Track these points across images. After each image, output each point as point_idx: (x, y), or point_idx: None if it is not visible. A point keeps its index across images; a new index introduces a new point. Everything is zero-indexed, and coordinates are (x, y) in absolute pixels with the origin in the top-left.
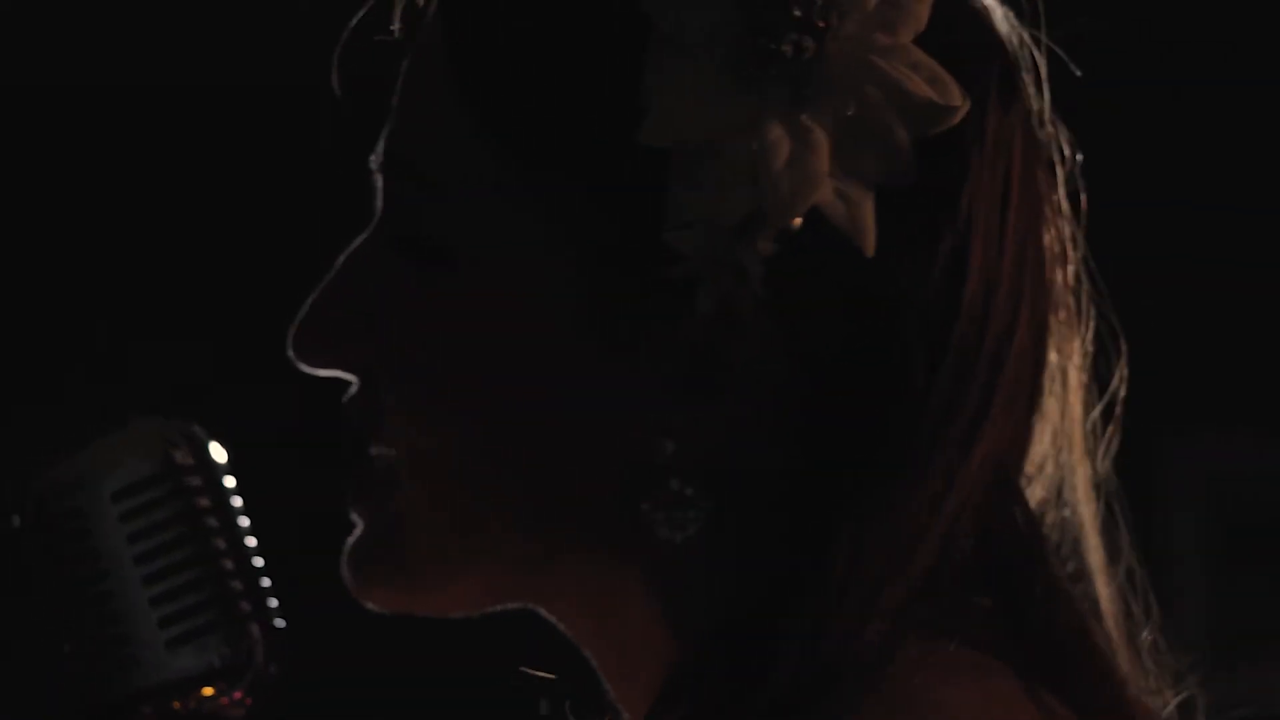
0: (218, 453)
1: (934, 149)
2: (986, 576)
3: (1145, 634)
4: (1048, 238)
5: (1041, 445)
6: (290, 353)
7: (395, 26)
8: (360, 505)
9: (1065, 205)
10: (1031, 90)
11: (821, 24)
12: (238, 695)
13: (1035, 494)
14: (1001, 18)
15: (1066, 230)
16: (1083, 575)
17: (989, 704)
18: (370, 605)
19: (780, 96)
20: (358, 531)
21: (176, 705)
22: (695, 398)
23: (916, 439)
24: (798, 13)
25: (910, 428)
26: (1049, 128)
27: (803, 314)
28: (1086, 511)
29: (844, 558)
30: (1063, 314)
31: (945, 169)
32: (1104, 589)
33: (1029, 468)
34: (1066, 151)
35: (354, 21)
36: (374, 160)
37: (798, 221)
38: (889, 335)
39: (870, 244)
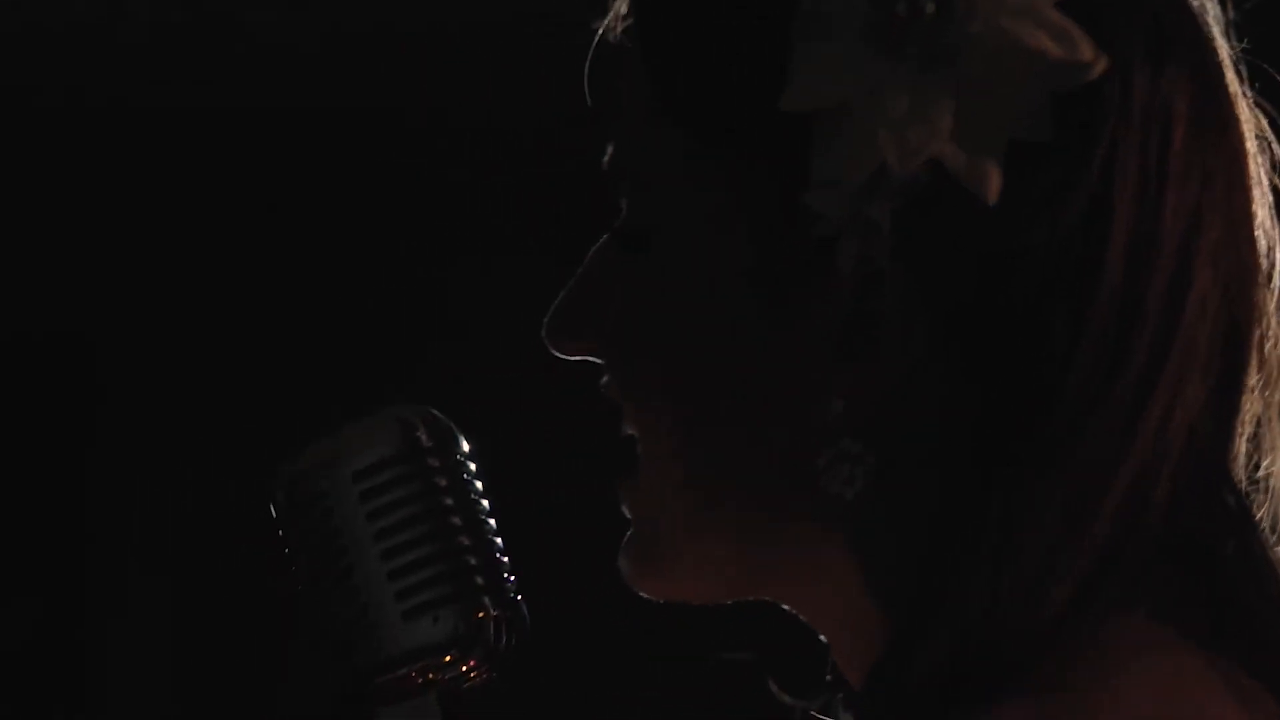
0: (462, 440)
1: (1068, 106)
2: (1181, 548)
3: None
4: (1244, 205)
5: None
6: (543, 337)
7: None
8: (623, 491)
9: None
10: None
11: None
12: (471, 665)
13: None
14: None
15: (1264, 202)
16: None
17: (1170, 677)
18: (643, 593)
19: (908, 59)
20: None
21: (413, 674)
22: (855, 356)
23: (1072, 396)
24: None
25: (1063, 384)
26: (1249, 107)
27: (935, 268)
28: None
29: (1007, 519)
30: (1262, 282)
31: (1080, 126)
32: None
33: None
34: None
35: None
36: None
37: (921, 177)
38: (1023, 289)
39: (992, 195)
